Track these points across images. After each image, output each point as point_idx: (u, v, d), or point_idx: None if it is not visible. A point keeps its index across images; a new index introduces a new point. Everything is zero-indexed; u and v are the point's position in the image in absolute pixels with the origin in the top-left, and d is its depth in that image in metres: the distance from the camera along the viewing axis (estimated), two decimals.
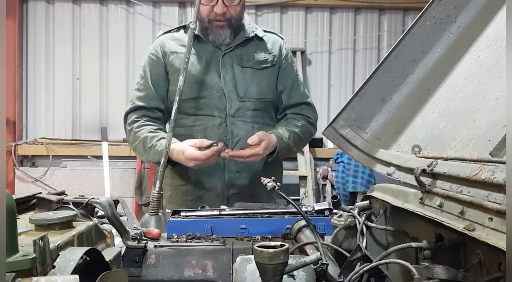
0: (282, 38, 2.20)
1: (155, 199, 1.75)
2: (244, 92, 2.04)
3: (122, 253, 1.29)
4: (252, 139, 1.83)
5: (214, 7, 1.97)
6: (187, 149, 1.81)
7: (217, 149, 1.80)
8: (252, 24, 2.17)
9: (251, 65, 2.06)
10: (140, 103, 2.05)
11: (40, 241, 0.80)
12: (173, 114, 1.85)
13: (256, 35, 2.10)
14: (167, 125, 2.03)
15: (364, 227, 1.20)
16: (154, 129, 2.01)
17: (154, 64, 2.09)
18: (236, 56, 2.07)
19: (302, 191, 5.08)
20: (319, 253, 1.07)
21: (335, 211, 1.48)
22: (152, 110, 2.06)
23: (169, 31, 2.17)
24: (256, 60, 2.08)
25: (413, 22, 1.27)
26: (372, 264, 0.98)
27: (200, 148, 1.80)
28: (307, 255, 1.20)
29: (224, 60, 2.06)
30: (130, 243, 1.33)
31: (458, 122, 1.09)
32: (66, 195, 1.58)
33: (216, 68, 2.05)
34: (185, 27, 2.13)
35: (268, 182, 1.36)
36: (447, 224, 0.82)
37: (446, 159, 0.94)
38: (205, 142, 1.81)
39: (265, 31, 2.18)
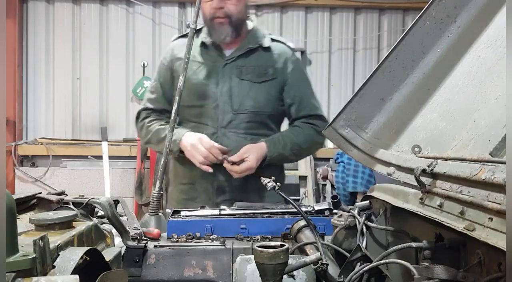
0: (292, 49, 2.17)
1: (155, 199, 1.75)
2: (238, 104, 2.04)
3: (122, 253, 1.29)
4: (233, 158, 1.91)
5: (212, 2, 1.98)
6: (204, 138, 1.94)
7: (219, 153, 1.91)
8: (260, 32, 2.15)
9: (250, 78, 2.05)
10: (150, 105, 2.17)
11: (40, 241, 0.80)
12: (173, 114, 1.85)
13: (260, 46, 2.08)
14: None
15: (364, 227, 1.20)
16: (165, 122, 2.09)
17: (163, 69, 2.16)
18: (237, 67, 2.06)
19: (302, 191, 5.08)
20: (319, 253, 1.07)
21: (335, 211, 1.48)
22: (160, 111, 2.16)
23: (182, 36, 2.19)
24: (256, 73, 2.06)
25: (413, 22, 1.27)
26: (372, 264, 0.98)
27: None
28: (307, 255, 1.20)
29: (224, 71, 2.06)
30: (130, 243, 1.33)
31: (458, 123, 1.09)
32: (66, 195, 1.58)
33: (216, 78, 2.07)
34: (198, 32, 2.12)
35: (268, 182, 1.36)
36: (447, 224, 0.82)
37: (446, 159, 0.94)
38: (222, 148, 1.93)
39: (274, 40, 2.15)
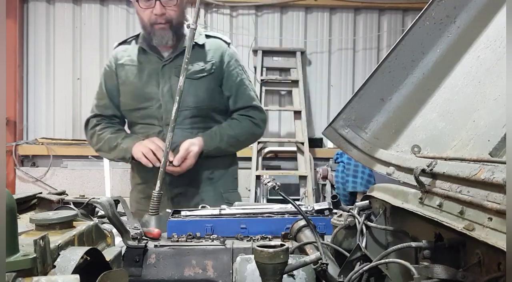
0: (227, 43, 2.24)
1: (155, 199, 1.75)
2: (178, 101, 2.05)
3: (122, 253, 1.30)
4: (177, 160, 1.97)
5: (153, 10, 2.03)
6: (155, 140, 2.03)
7: (159, 151, 1.96)
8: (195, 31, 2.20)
9: (188, 75, 2.05)
10: (99, 112, 2.25)
11: (41, 240, 0.80)
12: (173, 114, 1.86)
13: (196, 43, 2.12)
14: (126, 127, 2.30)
15: (363, 227, 1.20)
16: (116, 130, 2.21)
17: (108, 75, 2.23)
18: (175, 67, 2.10)
19: (302, 190, 5.08)
20: (319, 252, 1.07)
21: (335, 210, 1.48)
22: (110, 117, 2.25)
23: (123, 42, 2.28)
24: (193, 70, 2.11)
25: (412, 23, 1.28)
26: (371, 264, 0.98)
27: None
28: (307, 254, 1.20)
29: (163, 72, 2.13)
30: (131, 242, 1.33)
31: (458, 123, 1.09)
32: (67, 194, 1.58)
33: (156, 79, 2.13)
34: (137, 38, 2.23)
35: (268, 182, 1.36)
36: (446, 224, 0.82)
37: (445, 159, 0.94)
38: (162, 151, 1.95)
39: (208, 36, 2.23)
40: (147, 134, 2.13)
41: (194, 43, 2.08)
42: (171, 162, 1.95)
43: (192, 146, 2.03)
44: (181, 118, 2.06)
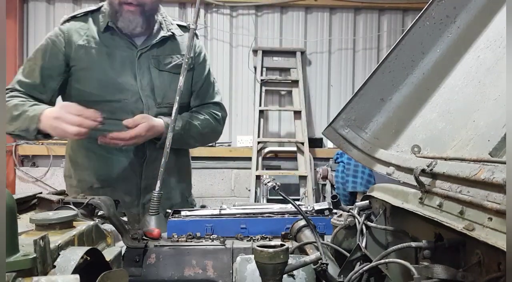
0: (197, 36, 2.03)
1: (155, 199, 1.74)
2: (161, 98, 1.92)
3: (122, 253, 1.30)
4: (127, 121, 1.73)
5: None
6: (69, 105, 1.64)
7: (94, 115, 1.61)
8: (168, 19, 2.04)
9: (169, 69, 1.93)
10: (20, 88, 1.83)
11: (41, 240, 0.80)
12: (173, 114, 1.80)
13: (173, 34, 1.98)
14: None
15: (363, 227, 1.20)
16: (32, 103, 1.75)
17: (52, 53, 1.86)
18: (153, 57, 1.92)
19: (302, 190, 5.09)
20: (319, 252, 1.08)
21: (335, 210, 1.48)
22: (31, 98, 1.81)
23: (73, 18, 1.93)
24: (174, 64, 1.95)
25: (412, 23, 1.28)
26: (371, 264, 0.98)
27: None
28: (307, 254, 1.20)
29: (140, 62, 1.90)
30: (131, 242, 1.33)
31: (458, 123, 1.09)
32: (67, 194, 1.58)
33: (132, 69, 1.89)
34: (92, 13, 1.93)
35: (268, 182, 1.36)
36: (446, 224, 0.82)
37: (445, 159, 0.94)
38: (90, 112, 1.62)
39: (180, 26, 2.05)
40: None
41: (171, 34, 1.97)
42: (124, 125, 1.72)
43: (150, 119, 1.79)
44: (149, 112, 1.87)
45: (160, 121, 1.84)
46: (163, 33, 1.96)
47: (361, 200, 1.32)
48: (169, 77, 1.94)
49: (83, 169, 1.97)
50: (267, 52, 5.48)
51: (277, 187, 1.34)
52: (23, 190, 5.08)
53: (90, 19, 1.92)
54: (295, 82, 5.42)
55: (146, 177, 1.93)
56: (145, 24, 1.87)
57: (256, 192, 4.88)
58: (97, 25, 1.90)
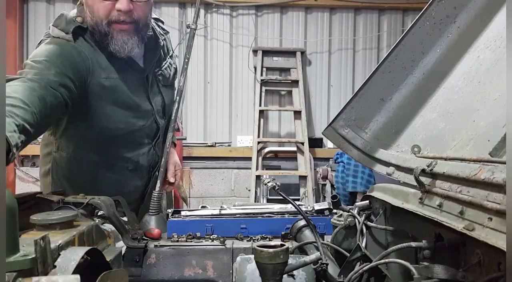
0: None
1: (155, 199, 1.75)
2: (167, 113, 1.88)
3: (122, 253, 1.30)
4: (175, 178, 1.86)
5: (115, 3, 1.54)
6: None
7: None
8: (156, 29, 1.84)
9: (170, 82, 1.89)
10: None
11: (41, 240, 0.80)
12: (173, 114, 1.83)
13: (163, 46, 1.86)
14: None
15: (363, 227, 1.20)
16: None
17: (80, 70, 1.55)
18: (156, 74, 1.81)
19: (302, 191, 5.08)
20: (319, 252, 1.08)
21: (335, 210, 1.48)
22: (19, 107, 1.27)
23: (80, 35, 1.61)
24: (174, 70, 1.91)
25: (412, 23, 1.28)
26: (371, 264, 0.98)
27: None
28: (307, 254, 1.20)
29: (150, 82, 1.78)
30: (131, 242, 1.33)
31: (458, 123, 1.09)
32: (67, 194, 1.58)
33: (145, 92, 1.76)
34: (77, 33, 1.60)
35: (268, 182, 1.36)
36: (446, 224, 0.82)
37: (445, 159, 0.94)
38: None
39: (160, 26, 1.88)
40: (137, 158, 1.80)
41: (162, 45, 1.84)
42: (170, 182, 1.85)
43: (177, 162, 1.90)
44: (164, 131, 1.84)
45: (175, 152, 1.95)
46: (158, 49, 1.82)
47: (361, 200, 1.32)
48: (171, 91, 1.92)
49: (80, 182, 1.85)
50: (267, 52, 5.48)
51: (277, 187, 1.34)
52: (23, 190, 5.08)
53: (81, 38, 1.62)
54: (295, 82, 5.42)
55: (145, 204, 1.86)
56: (141, 42, 1.66)
57: (256, 192, 4.87)
58: (91, 46, 1.62)
